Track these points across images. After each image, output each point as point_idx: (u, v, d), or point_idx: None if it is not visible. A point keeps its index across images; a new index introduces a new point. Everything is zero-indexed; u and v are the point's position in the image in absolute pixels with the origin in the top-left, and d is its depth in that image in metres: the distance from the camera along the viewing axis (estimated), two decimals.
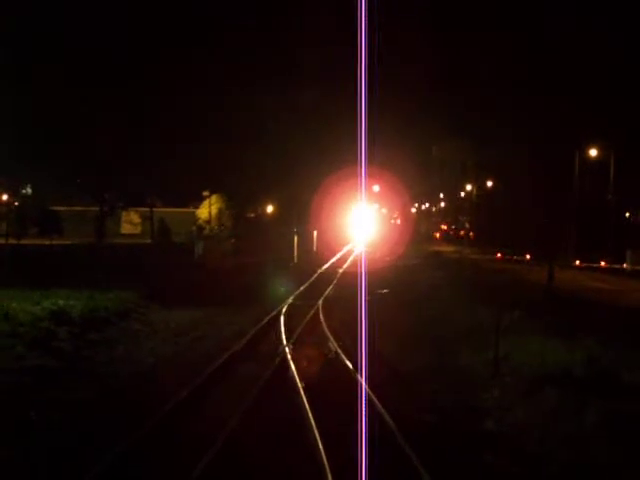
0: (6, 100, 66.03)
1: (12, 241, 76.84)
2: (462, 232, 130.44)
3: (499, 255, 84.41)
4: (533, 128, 75.23)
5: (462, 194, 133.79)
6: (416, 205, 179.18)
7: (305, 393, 18.66)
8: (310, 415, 16.72)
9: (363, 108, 13.29)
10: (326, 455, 13.87)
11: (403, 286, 48.71)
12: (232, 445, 14.84)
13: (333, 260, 75.14)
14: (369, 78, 13.30)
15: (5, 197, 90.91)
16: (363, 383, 18.24)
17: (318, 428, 15.59)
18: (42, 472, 13.88)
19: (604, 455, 14.43)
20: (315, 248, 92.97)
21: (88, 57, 66.76)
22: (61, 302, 30.63)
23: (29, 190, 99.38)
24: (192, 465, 13.41)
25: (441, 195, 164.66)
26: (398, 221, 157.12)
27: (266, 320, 31.85)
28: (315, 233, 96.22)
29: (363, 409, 14.89)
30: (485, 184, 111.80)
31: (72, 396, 18.91)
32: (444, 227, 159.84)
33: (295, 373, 21.07)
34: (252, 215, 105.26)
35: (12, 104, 66.70)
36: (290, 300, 39.57)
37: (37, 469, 14.00)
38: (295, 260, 74.73)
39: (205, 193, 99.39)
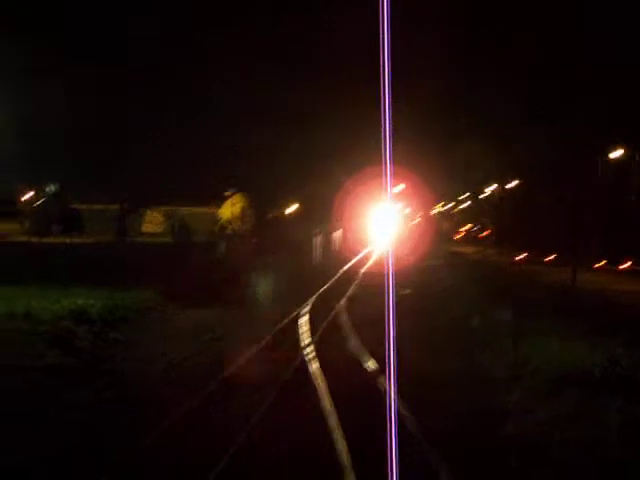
0: (32, 98, 66.17)
1: (34, 239, 77.13)
2: (484, 233, 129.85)
3: (521, 256, 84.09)
4: (558, 127, 74.91)
5: (485, 194, 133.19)
6: (439, 205, 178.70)
7: (331, 396, 18.72)
8: (331, 406, 17.33)
9: (387, 107, 13.16)
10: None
11: (426, 287, 48.49)
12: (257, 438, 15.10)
13: (355, 260, 74.90)
14: (393, 77, 13.17)
15: (29, 195, 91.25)
16: (390, 384, 18.10)
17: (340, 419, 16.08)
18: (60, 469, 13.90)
19: (628, 457, 14.32)
20: (337, 248, 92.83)
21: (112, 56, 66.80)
22: (80, 301, 30.66)
23: (52, 188, 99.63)
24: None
25: (464, 195, 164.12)
26: (421, 221, 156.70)
27: (287, 320, 31.74)
28: (338, 233, 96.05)
29: (392, 408, 14.71)
30: (509, 184, 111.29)
31: (93, 396, 18.93)
32: (466, 227, 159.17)
33: (315, 371, 21.02)
34: (274, 214, 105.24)
35: (36, 103, 66.85)
36: (312, 300, 39.40)
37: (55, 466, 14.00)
38: (317, 259, 74.61)
39: (227, 193, 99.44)
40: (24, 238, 79.23)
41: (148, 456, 14.17)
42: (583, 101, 69.59)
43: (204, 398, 18.29)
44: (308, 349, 25.02)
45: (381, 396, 17.62)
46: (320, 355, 23.99)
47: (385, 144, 13.12)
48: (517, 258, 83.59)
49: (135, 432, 15.30)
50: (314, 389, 19.56)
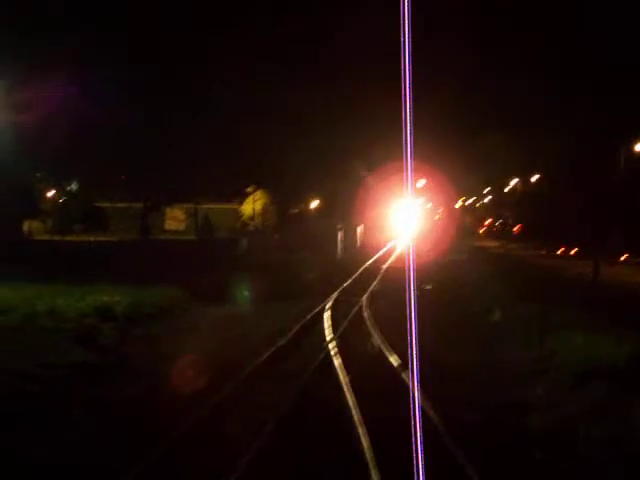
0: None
1: (57, 237, 77.37)
2: (507, 227, 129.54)
3: (544, 251, 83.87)
4: (579, 120, 74.53)
5: (507, 188, 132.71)
6: (461, 200, 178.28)
7: (351, 386, 18.78)
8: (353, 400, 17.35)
9: (408, 101, 13.13)
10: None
11: (448, 282, 48.45)
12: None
13: (377, 256, 74.83)
14: (413, 70, 13.15)
15: (51, 193, 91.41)
16: (414, 381, 18.04)
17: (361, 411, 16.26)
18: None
19: None
20: (359, 243, 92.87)
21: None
22: (105, 298, 30.66)
23: (74, 187, 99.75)
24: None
25: (485, 190, 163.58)
26: (442, 216, 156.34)
27: (310, 316, 31.63)
28: (359, 228, 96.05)
29: (416, 403, 14.69)
30: (530, 178, 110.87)
31: (117, 393, 18.99)
32: (489, 222, 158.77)
33: (339, 366, 21.03)
34: (296, 210, 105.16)
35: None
36: (334, 295, 39.31)
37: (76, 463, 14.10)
38: (339, 255, 74.62)
39: (249, 189, 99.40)
40: (47, 236, 79.61)
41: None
42: (603, 99, 69.27)
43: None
44: (331, 344, 24.97)
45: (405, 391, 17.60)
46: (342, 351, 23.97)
47: (406, 140, 13.10)
48: (541, 252, 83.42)
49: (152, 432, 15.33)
50: (339, 387, 19.59)
